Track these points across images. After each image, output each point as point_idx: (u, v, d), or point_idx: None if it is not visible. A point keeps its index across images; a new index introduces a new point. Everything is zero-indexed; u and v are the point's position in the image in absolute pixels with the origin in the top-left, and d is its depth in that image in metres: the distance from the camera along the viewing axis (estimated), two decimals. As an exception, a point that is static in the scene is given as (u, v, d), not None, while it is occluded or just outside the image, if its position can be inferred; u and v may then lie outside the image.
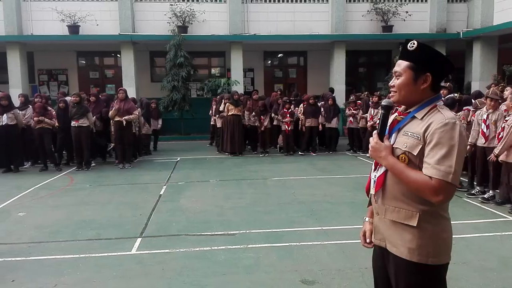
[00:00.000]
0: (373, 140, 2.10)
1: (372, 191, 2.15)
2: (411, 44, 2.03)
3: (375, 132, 2.12)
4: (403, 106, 2.13)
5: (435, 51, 2.07)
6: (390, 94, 2.13)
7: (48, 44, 15.41)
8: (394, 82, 2.08)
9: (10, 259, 4.50)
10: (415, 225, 1.98)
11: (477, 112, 6.68)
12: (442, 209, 2.02)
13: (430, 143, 1.92)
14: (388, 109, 2.12)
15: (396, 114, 2.15)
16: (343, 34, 15.41)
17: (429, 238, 1.98)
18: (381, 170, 2.09)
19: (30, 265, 4.36)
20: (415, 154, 1.96)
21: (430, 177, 1.88)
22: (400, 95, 2.06)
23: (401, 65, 2.06)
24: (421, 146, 1.95)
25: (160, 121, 12.27)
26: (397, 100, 2.09)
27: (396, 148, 2.03)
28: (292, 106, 11.22)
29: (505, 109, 6.18)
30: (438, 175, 1.86)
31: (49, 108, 9.62)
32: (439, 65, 2.05)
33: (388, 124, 2.14)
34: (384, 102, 2.15)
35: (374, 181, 2.14)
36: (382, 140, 2.08)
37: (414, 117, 2.04)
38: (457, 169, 1.88)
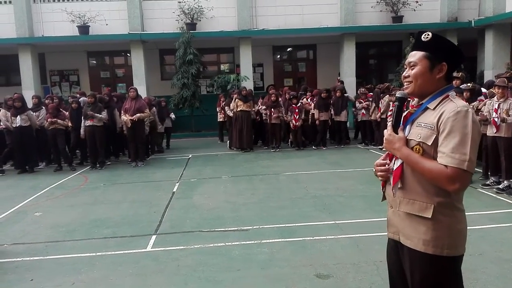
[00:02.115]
0: (387, 132, 2.11)
1: (389, 184, 2.15)
2: (425, 35, 2.05)
3: (389, 124, 2.13)
4: (416, 99, 2.13)
5: (448, 41, 2.10)
6: (405, 86, 2.12)
7: (59, 45, 15.56)
8: (409, 72, 2.08)
9: (28, 259, 4.58)
10: (430, 216, 1.98)
11: (487, 101, 6.59)
12: (457, 200, 2.02)
13: (443, 132, 1.92)
14: (402, 101, 2.13)
15: (409, 108, 2.15)
16: (352, 26, 15.28)
17: (444, 230, 1.98)
18: (398, 163, 2.09)
19: (47, 264, 4.43)
20: (429, 144, 1.97)
21: (446, 165, 1.88)
22: (416, 85, 2.06)
23: (416, 55, 2.07)
24: (435, 135, 1.95)
25: (170, 119, 12.32)
26: (412, 91, 2.09)
27: (411, 139, 2.04)
28: (304, 99, 11.19)
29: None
30: (453, 163, 1.87)
31: (61, 109, 9.74)
32: (453, 55, 2.08)
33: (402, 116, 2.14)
34: (398, 93, 2.16)
35: (391, 174, 2.13)
36: (396, 132, 2.09)
37: (427, 108, 2.05)
38: (472, 157, 1.88)
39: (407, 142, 2.05)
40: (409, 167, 2.04)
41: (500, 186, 6.31)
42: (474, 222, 4.86)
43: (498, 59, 14.39)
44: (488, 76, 14.26)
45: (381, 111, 10.29)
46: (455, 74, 7.39)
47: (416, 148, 2.00)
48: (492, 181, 6.57)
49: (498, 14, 14.05)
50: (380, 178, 2.19)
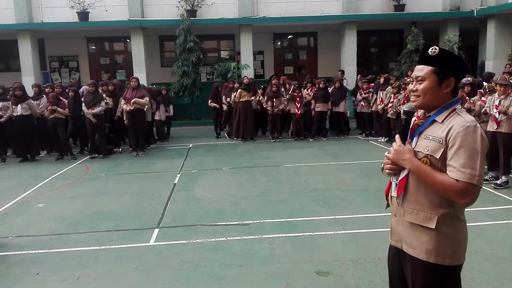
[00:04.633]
0: (396, 143, 2.14)
1: (394, 194, 2.19)
2: (432, 49, 2.07)
3: (397, 136, 2.16)
4: (421, 111, 2.18)
5: (455, 55, 2.15)
6: (412, 99, 2.15)
7: (59, 31, 15.47)
8: (417, 86, 2.11)
9: (33, 252, 4.65)
10: (434, 227, 2.05)
11: (488, 97, 6.62)
12: (459, 211, 2.08)
13: (453, 147, 1.97)
14: (409, 114, 2.16)
15: (415, 118, 2.19)
16: (354, 15, 15.18)
17: (446, 240, 2.05)
18: (403, 174, 2.14)
19: (52, 257, 4.51)
20: (438, 158, 2.02)
21: (457, 180, 1.94)
22: (424, 100, 2.09)
23: (423, 70, 2.10)
24: (443, 149, 2.00)
25: (171, 107, 12.28)
26: (420, 105, 2.12)
27: (418, 151, 2.09)
28: (305, 90, 11.21)
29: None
30: (464, 178, 1.93)
31: (62, 98, 9.73)
32: (460, 69, 2.12)
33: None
34: (405, 107, 2.18)
35: (396, 183, 2.18)
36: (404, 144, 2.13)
37: (434, 121, 2.09)
38: (481, 171, 1.95)
39: (414, 154, 2.09)
40: (414, 178, 2.09)
41: (498, 182, 6.39)
42: (471, 218, 4.85)
43: (499, 50, 14.36)
44: (489, 66, 14.26)
45: (384, 103, 10.27)
46: (466, 80, 7.40)
47: (424, 160, 2.05)
48: (490, 176, 6.65)
49: (500, 4, 13.97)
50: (387, 171, 2.19)
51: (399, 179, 2.16)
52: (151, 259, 4.38)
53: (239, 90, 10.92)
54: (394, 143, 2.17)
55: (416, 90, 2.11)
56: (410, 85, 2.18)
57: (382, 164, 2.24)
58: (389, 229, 2.30)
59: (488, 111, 6.47)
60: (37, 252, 4.65)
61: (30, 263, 4.39)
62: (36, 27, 14.86)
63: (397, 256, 2.27)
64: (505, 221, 5.11)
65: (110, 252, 4.58)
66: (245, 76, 11.75)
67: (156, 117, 11.44)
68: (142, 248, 4.69)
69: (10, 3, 14.46)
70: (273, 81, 11.21)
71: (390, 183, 2.26)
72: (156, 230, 5.16)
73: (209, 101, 11.85)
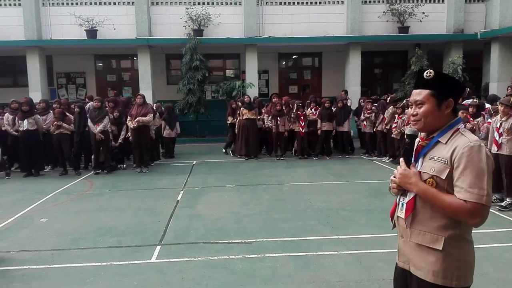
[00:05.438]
0: (401, 167, 2.14)
1: (401, 215, 2.18)
2: (427, 73, 2.10)
3: (401, 159, 2.17)
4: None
5: (450, 76, 2.18)
6: (413, 123, 2.16)
7: (67, 48, 15.69)
8: (416, 111, 2.12)
9: (34, 267, 4.63)
10: (441, 248, 2.03)
11: (492, 119, 6.62)
12: (466, 233, 2.07)
13: (458, 167, 1.97)
14: (413, 138, 2.17)
15: (419, 139, 2.20)
16: (358, 36, 15.34)
17: (454, 261, 2.04)
18: (411, 195, 2.13)
19: (53, 273, 4.49)
20: (443, 178, 2.01)
21: (465, 200, 1.93)
22: (426, 123, 2.11)
23: (421, 93, 2.11)
24: (448, 170, 2.00)
25: (177, 125, 12.30)
26: (421, 128, 2.14)
27: (424, 172, 2.09)
28: (309, 109, 11.27)
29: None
30: (472, 198, 1.92)
31: (68, 114, 9.81)
32: (456, 89, 2.14)
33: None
34: (408, 131, 2.20)
35: (403, 204, 2.17)
36: (408, 168, 2.13)
37: (438, 142, 2.09)
38: (489, 191, 1.95)
39: (420, 175, 2.09)
40: (421, 200, 2.08)
41: (503, 204, 6.34)
42: (476, 240, 4.78)
43: (503, 72, 14.43)
44: (493, 88, 14.31)
45: (386, 122, 10.30)
46: (471, 101, 7.41)
47: (429, 181, 2.05)
48: (495, 198, 6.59)
49: (504, 27, 14.10)
50: (394, 190, 2.19)
51: (407, 200, 2.15)
52: (153, 277, 4.35)
53: (241, 109, 11.00)
54: (398, 167, 2.17)
55: (417, 114, 2.12)
56: (410, 109, 2.20)
57: (390, 185, 2.25)
58: (394, 250, 2.29)
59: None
60: (39, 268, 4.62)
61: (31, 278, 4.36)
62: (44, 44, 15.09)
63: (404, 278, 2.25)
64: (510, 244, 5.05)
65: (112, 269, 4.56)
66: (247, 95, 11.86)
67: (165, 135, 11.50)
68: (144, 265, 4.66)
69: (20, 21, 14.75)
70: (273, 100, 11.28)
71: (396, 204, 2.25)
72: (158, 247, 5.13)
73: (230, 119, 11.93)
